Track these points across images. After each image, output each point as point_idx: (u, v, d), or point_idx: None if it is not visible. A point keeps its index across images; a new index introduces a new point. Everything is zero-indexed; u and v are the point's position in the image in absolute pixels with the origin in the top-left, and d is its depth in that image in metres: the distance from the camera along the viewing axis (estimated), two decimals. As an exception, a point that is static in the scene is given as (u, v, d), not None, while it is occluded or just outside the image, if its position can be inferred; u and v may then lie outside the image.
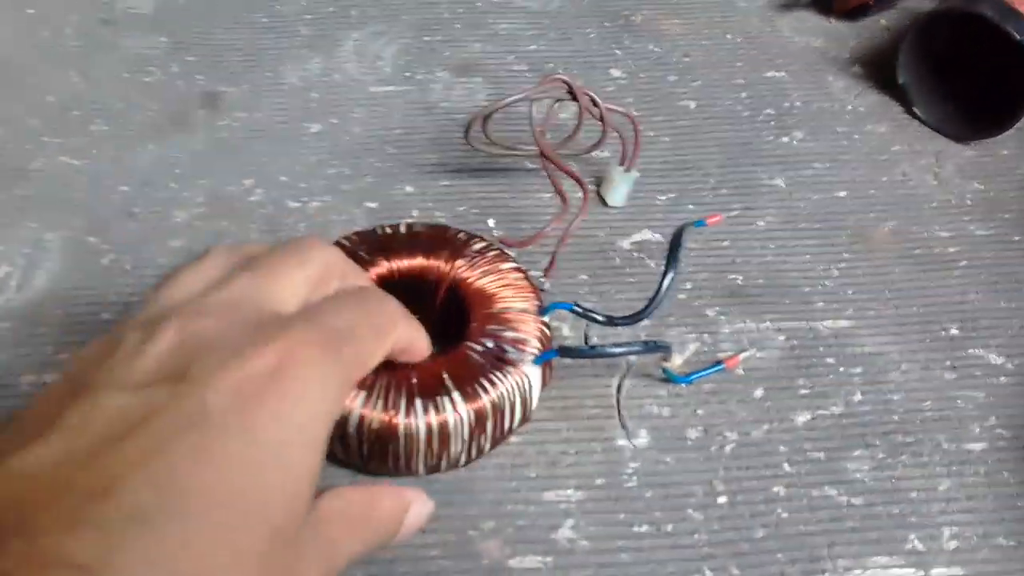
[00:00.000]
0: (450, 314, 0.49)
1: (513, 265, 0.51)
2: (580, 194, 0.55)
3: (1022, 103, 0.63)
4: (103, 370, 0.31)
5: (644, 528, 0.48)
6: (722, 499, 0.49)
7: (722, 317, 0.57)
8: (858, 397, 0.53)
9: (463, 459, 0.46)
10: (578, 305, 0.48)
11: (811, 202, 0.63)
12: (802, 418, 0.53)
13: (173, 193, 0.62)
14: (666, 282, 0.49)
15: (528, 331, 0.48)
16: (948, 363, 0.55)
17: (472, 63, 0.71)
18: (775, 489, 0.50)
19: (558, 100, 0.56)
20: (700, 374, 0.53)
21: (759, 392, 0.53)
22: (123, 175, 0.62)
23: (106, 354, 0.32)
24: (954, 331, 0.57)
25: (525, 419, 0.48)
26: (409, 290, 0.48)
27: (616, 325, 0.50)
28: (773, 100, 0.69)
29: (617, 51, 0.72)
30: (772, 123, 0.68)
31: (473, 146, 0.57)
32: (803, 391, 0.54)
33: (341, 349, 0.35)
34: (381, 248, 0.50)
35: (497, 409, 0.45)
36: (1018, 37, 0.60)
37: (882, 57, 0.72)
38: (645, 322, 0.51)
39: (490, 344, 0.46)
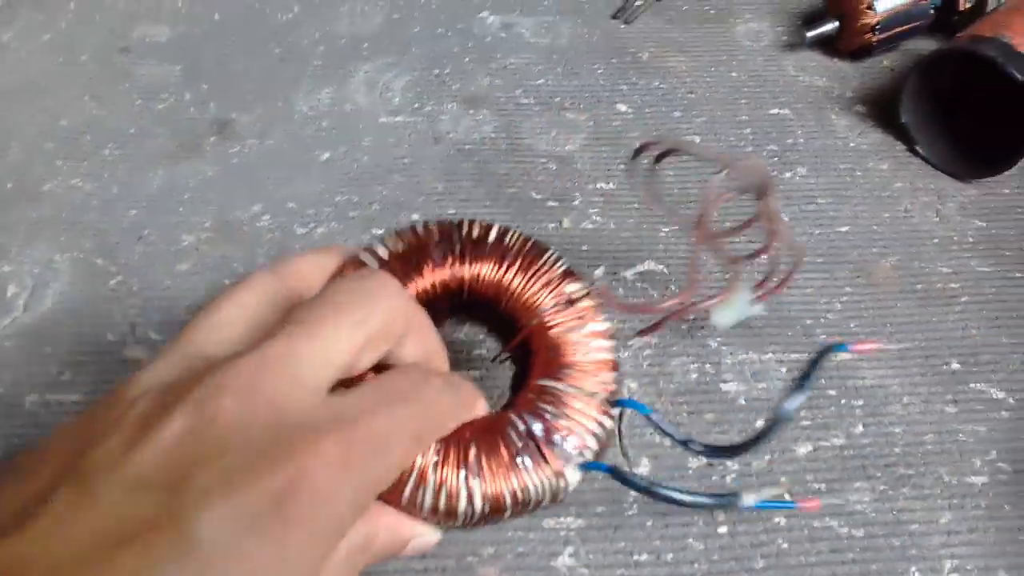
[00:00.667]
0: (515, 351, 0.43)
1: (604, 327, 0.42)
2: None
3: (1021, 144, 0.63)
4: (102, 449, 0.28)
5: (644, 557, 0.48)
6: (723, 529, 0.49)
7: (725, 348, 0.57)
8: (859, 429, 0.53)
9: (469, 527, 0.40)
10: (657, 413, 0.41)
11: (814, 237, 0.63)
12: (803, 449, 0.53)
13: (182, 217, 0.62)
14: (790, 404, 0.43)
15: (586, 424, 0.40)
16: (949, 397, 0.55)
17: (480, 96, 0.72)
18: (776, 519, 0.50)
19: (742, 191, 0.47)
20: (770, 505, 0.45)
21: (760, 423, 0.54)
22: (133, 199, 0.63)
23: (112, 422, 0.29)
24: (955, 365, 0.57)
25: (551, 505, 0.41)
26: (473, 307, 0.43)
27: (701, 455, 0.44)
28: (777, 137, 0.70)
29: (623, 87, 0.73)
30: (776, 159, 0.68)
31: (629, 172, 0.52)
32: (805, 422, 0.54)
33: (368, 464, 0.31)
34: (454, 250, 0.42)
35: (519, 503, 0.38)
36: (1020, 78, 0.61)
37: (885, 96, 0.73)
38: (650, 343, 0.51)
39: (537, 428, 0.38)
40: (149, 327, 0.56)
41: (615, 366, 0.42)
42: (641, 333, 0.51)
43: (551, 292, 0.42)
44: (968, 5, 0.75)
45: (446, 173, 0.66)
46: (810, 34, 0.74)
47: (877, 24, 0.73)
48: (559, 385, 0.40)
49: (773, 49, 0.77)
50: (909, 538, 0.49)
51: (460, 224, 0.43)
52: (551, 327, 0.41)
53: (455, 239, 0.43)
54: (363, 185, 0.65)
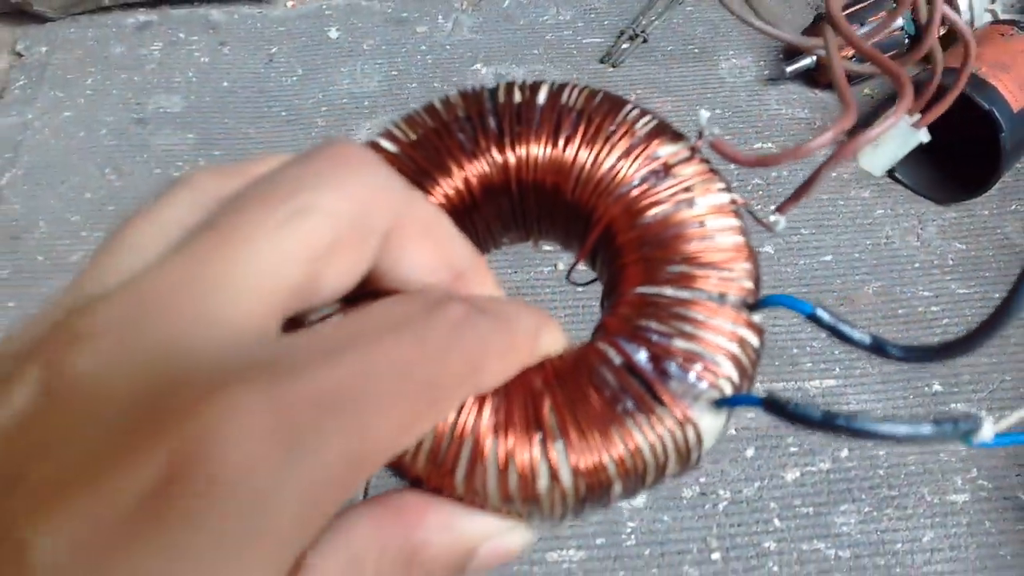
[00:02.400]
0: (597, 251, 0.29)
1: (724, 198, 0.27)
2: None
3: (996, 167, 0.66)
4: None
5: (642, 585, 0.51)
6: (716, 555, 0.52)
7: (715, 380, 0.60)
8: (845, 453, 0.56)
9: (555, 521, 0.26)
10: (824, 310, 0.23)
11: (798, 267, 0.66)
12: (791, 475, 0.56)
13: (201, 280, 0.66)
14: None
15: (717, 342, 0.25)
16: (931, 418, 0.58)
17: (477, 146, 0.76)
18: (766, 544, 0.53)
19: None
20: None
21: (750, 452, 0.57)
22: (155, 264, 0.67)
23: None
24: (937, 387, 0.60)
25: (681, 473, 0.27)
26: (532, 208, 0.29)
27: (901, 360, 0.25)
28: (761, 171, 0.73)
29: (613, 129, 0.77)
30: (760, 192, 0.71)
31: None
32: (792, 449, 0.57)
33: (324, 440, 0.17)
34: (488, 128, 0.28)
35: (629, 472, 0.24)
36: (987, 107, 0.64)
37: (866, 124, 0.75)
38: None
39: (640, 357, 0.25)
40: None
41: (751, 254, 0.27)
42: (781, 208, 0.35)
43: (637, 159, 0.27)
44: (943, 31, 0.78)
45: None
46: (789, 69, 0.77)
47: (853, 56, 0.76)
48: (667, 290, 0.26)
49: (756, 84, 0.80)
50: (893, 557, 0.52)
51: (496, 91, 0.29)
52: (644, 208, 0.27)
53: (488, 112, 0.29)
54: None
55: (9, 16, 0.87)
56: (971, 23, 0.77)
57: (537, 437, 0.24)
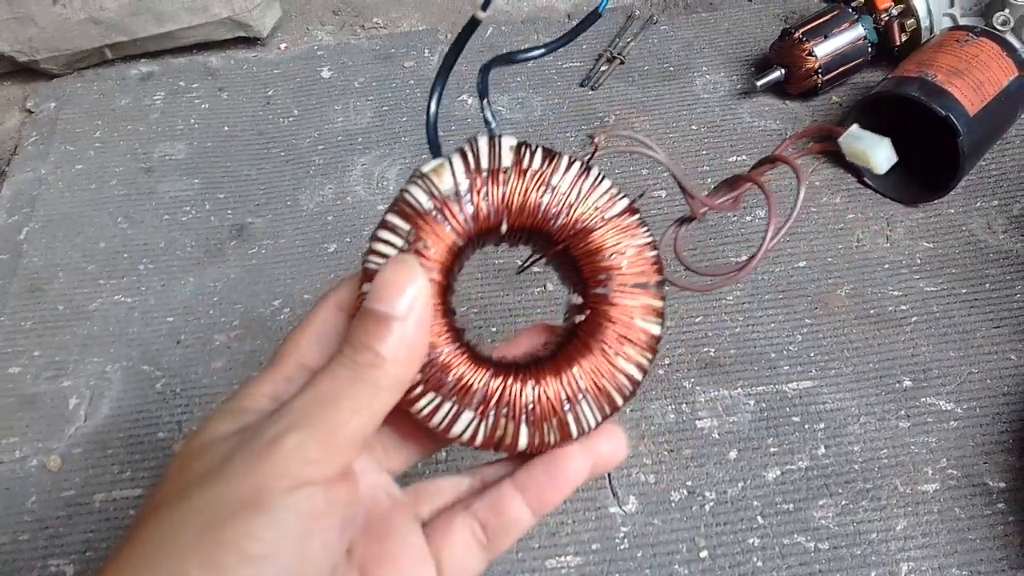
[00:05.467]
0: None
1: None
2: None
3: (956, 169, 0.70)
4: None
5: (636, 585, 0.55)
6: (704, 553, 0.56)
7: (698, 388, 0.64)
8: (822, 451, 0.60)
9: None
10: None
11: (774, 274, 0.70)
12: (772, 474, 0.59)
13: (213, 319, 0.71)
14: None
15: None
16: (902, 412, 0.62)
17: (466, 174, 0.80)
18: (750, 540, 0.56)
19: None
20: None
21: (733, 454, 0.60)
22: (168, 307, 0.72)
23: None
24: (907, 382, 0.63)
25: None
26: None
27: None
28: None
29: (595, 150, 0.80)
30: (750, 197, 0.75)
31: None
32: (772, 449, 0.60)
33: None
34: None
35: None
36: (942, 113, 0.68)
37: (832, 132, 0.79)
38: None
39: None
40: (193, 423, 0.64)
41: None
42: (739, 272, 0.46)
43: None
44: (904, 38, 0.81)
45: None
46: (760, 83, 0.81)
47: (819, 68, 0.79)
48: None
49: (730, 98, 0.84)
50: (869, 546, 0.56)
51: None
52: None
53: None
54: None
55: (18, 74, 0.92)
56: (930, 28, 0.80)
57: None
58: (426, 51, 0.91)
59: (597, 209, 0.33)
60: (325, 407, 0.29)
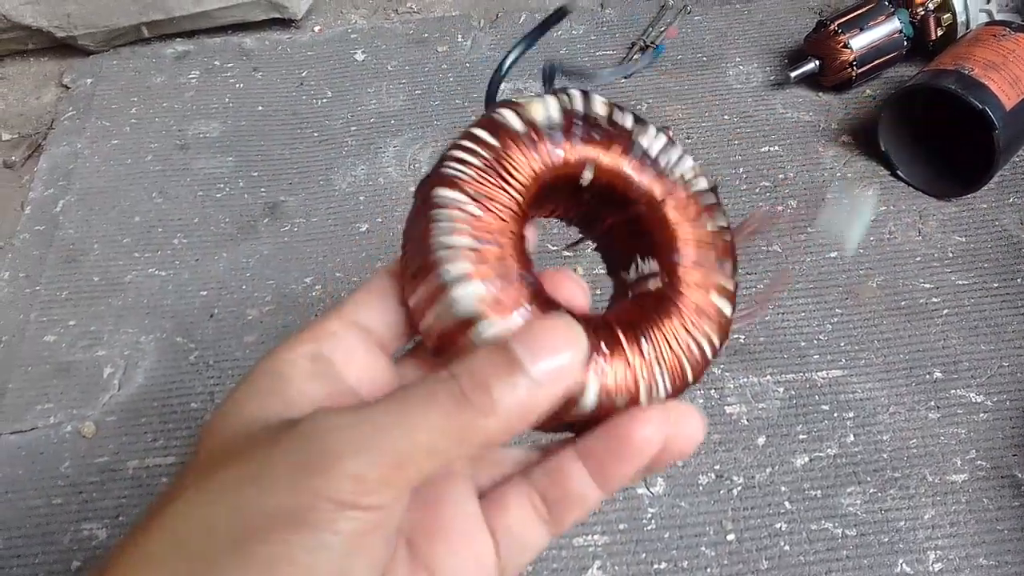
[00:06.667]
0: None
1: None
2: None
3: (990, 163, 0.69)
4: None
5: (663, 566, 0.55)
6: (731, 536, 0.56)
7: (727, 374, 0.64)
8: (851, 439, 0.60)
9: None
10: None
11: (805, 264, 0.70)
12: (801, 460, 0.59)
13: (245, 294, 0.71)
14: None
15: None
16: (932, 403, 0.62)
17: (498, 158, 0.80)
18: (777, 525, 0.57)
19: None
20: None
21: (762, 440, 0.61)
22: (202, 281, 0.73)
23: None
24: (938, 374, 0.63)
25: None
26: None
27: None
28: (768, 173, 0.77)
29: (627, 137, 0.81)
30: (768, 194, 0.75)
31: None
32: (801, 436, 0.61)
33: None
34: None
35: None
36: (979, 106, 0.67)
37: (869, 125, 0.79)
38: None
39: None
40: (226, 394, 0.65)
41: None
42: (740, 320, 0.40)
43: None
44: (940, 33, 0.81)
45: (471, 234, 0.74)
46: (794, 74, 0.81)
47: (854, 60, 0.79)
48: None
49: (763, 89, 0.84)
50: (896, 534, 0.56)
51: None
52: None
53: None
54: (399, 251, 0.73)
55: (55, 51, 0.93)
56: (966, 23, 0.80)
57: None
58: (459, 36, 0.91)
59: (684, 179, 0.32)
60: (400, 431, 0.25)
